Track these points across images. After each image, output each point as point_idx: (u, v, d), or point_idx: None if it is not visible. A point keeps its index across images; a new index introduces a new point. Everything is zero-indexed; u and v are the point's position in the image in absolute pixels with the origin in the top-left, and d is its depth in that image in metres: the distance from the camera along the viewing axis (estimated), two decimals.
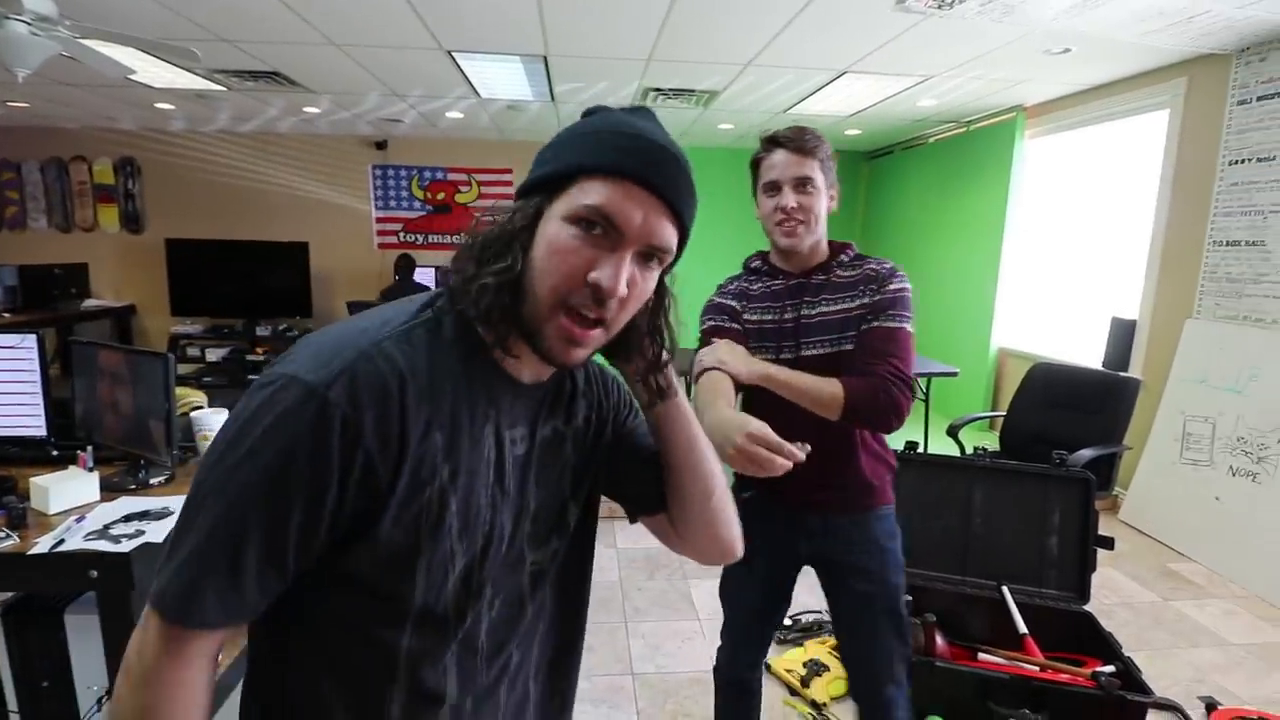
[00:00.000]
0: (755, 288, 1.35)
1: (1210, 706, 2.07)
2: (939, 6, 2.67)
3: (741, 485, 1.34)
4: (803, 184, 1.23)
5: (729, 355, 1.21)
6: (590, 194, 0.58)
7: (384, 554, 0.57)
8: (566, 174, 0.60)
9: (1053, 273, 4.42)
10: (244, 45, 3.44)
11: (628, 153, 0.60)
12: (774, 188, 1.25)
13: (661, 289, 0.67)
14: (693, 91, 4.25)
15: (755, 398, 1.30)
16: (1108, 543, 2.35)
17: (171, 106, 5.05)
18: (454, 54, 3.53)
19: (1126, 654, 2.02)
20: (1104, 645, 2.08)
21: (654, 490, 0.75)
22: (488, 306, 0.59)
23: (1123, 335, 3.70)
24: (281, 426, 0.53)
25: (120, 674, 0.57)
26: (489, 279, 0.59)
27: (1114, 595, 2.77)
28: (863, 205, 6.79)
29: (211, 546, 0.53)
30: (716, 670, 1.54)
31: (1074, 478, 2.32)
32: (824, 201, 1.26)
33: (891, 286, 1.24)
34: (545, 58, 3.57)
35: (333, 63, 3.73)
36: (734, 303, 1.36)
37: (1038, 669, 1.98)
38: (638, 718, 1.98)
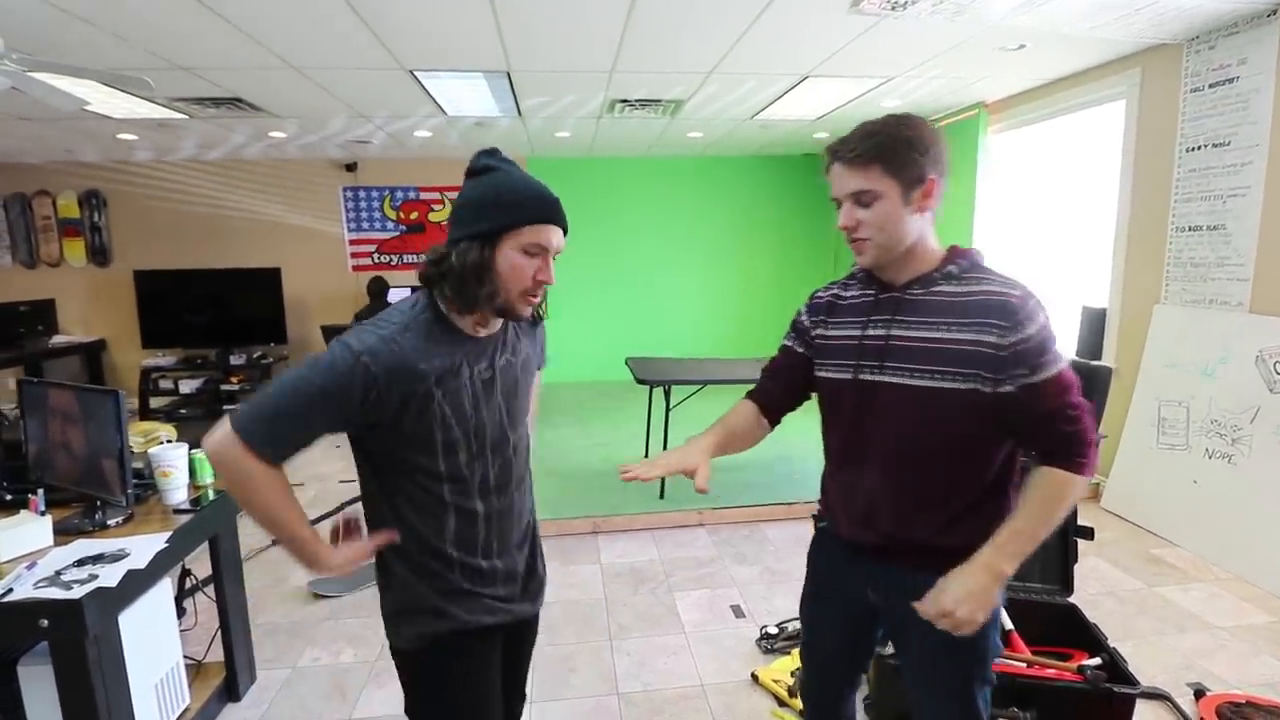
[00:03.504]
0: (848, 295, 1.20)
1: (1199, 693, 2.06)
2: (892, 8, 2.70)
3: (817, 515, 1.31)
4: (859, 197, 1.08)
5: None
6: (529, 236, 1.07)
7: (413, 440, 1.07)
8: (510, 225, 1.05)
9: (1022, 265, 4.47)
10: (201, 72, 3.40)
11: (541, 208, 1.08)
12: (837, 204, 1.13)
13: None
14: (659, 101, 4.26)
15: (829, 420, 1.20)
16: (1087, 533, 2.34)
17: (134, 137, 4.97)
18: (416, 73, 3.51)
19: (1112, 644, 2.01)
20: (1089, 637, 2.07)
21: None
22: (480, 305, 1.08)
23: (1094, 324, 3.74)
24: (336, 363, 1.00)
25: (212, 453, 1.00)
26: (480, 294, 1.06)
27: (1099, 584, 2.78)
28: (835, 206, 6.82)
29: (280, 408, 1.00)
30: (800, 693, 1.46)
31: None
32: (896, 206, 1.06)
33: (1032, 329, 1.01)
34: (508, 73, 3.56)
35: (293, 86, 3.70)
36: (809, 318, 1.24)
37: (1024, 665, 1.97)
38: None
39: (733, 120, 4.85)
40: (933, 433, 1.07)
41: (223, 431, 0.98)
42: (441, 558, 1.12)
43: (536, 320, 1.28)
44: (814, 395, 1.27)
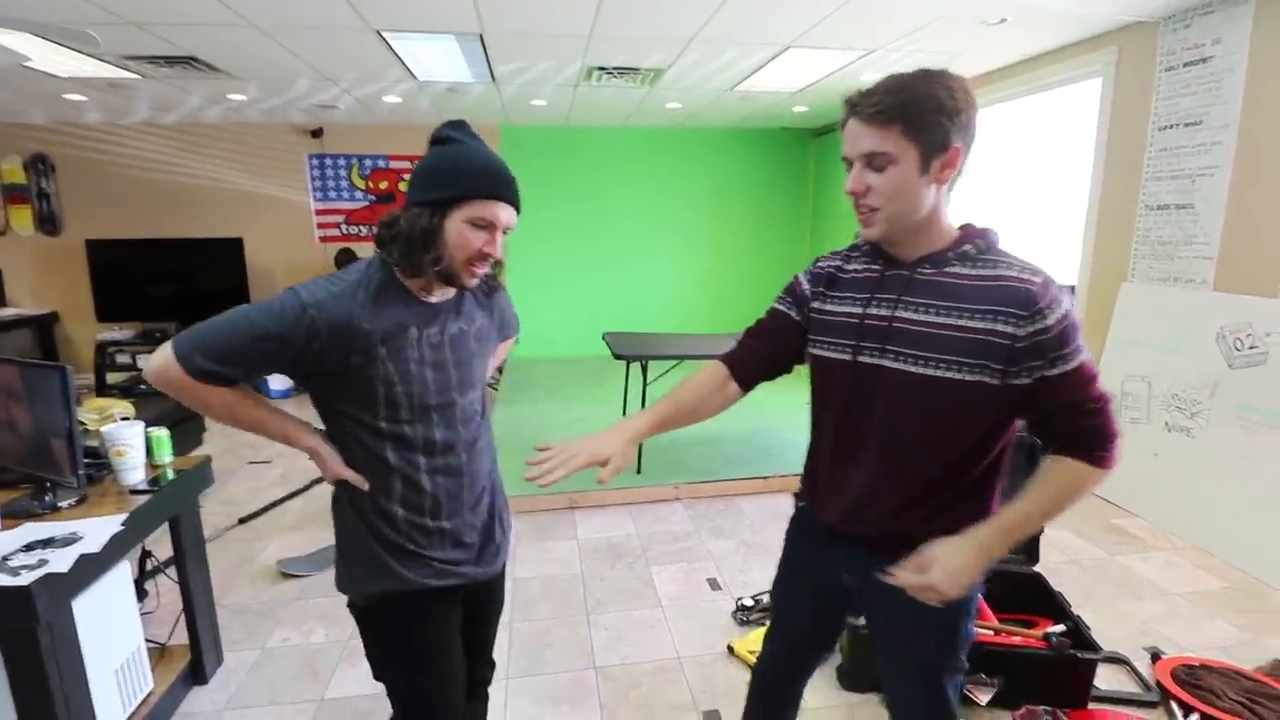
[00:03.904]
0: (850, 269, 1.10)
1: (1155, 656, 2.14)
2: None
3: (799, 494, 1.27)
4: (872, 159, 0.96)
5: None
6: (479, 210, 1.10)
7: (355, 395, 1.11)
8: (461, 197, 1.08)
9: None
10: (153, 28, 3.20)
11: (493, 183, 1.10)
12: (848, 164, 1.00)
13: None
14: (637, 70, 4.15)
15: (821, 402, 1.13)
16: None
17: (83, 98, 4.70)
18: (384, 33, 3.35)
19: (1075, 612, 2.07)
20: (1054, 605, 2.13)
21: None
22: (425, 270, 1.10)
23: None
24: (284, 310, 1.04)
25: (153, 376, 1.05)
26: (425, 259, 1.09)
27: (1062, 554, 2.86)
28: (812, 183, 6.81)
29: (220, 342, 1.03)
30: (756, 673, 1.39)
31: (1020, 442, 2.36)
32: (912, 173, 0.95)
33: (1052, 319, 0.93)
34: (481, 36, 3.42)
35: (253, 46, 3.51)
36: (810, 287, 1.13)
37: (992, 633, 2.02)
38: (601, 712, 1.94)
39: (713, 91, 4.76)
40: (933, 423, 1.01)
41: (162, 353, 1.03)
42: (386, 516, 1.15)
43: (491, 290, 1.29)
44: (795, 369, 1.21)
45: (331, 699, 2.00)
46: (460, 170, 1.09)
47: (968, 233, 1.03)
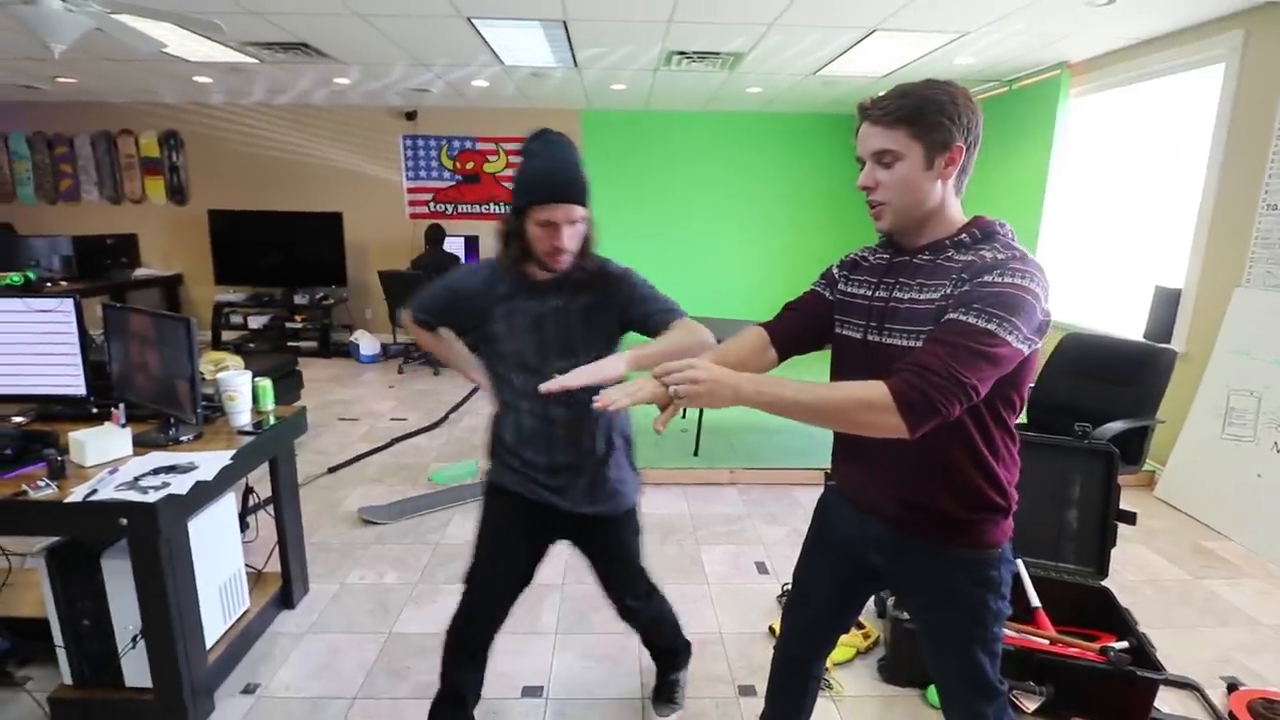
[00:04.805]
0: (871, 258, 1.20)
1: (1232, 687, 2.01)
2: None
3: (828, 473, 1.32)
4: (880, 156, 1.06)
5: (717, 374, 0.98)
6: (543, 213, 1.34)
7: (480, 345, 1.51)
8: (527, 204, 1.35)
9: (1095, 239, 4.22)
10: (270, 17, 3.49)
11: (550, 191, 1.33)
12: (861, 164, 1.11)
13: (588, 229, 1.42)
14: (718, 54, 4.14)
15: (839, 378, 1.14)
16: (1129, 517, 2.28)
17: (209, 80, 5.17)
18: (474, 20, 3.51)
19: (1143, 630, 1.98)
20: (1119, 621, 2.04)
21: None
22: (518, 260, 1.41)
23: (1166, 305, 3.53)
24: (448, 282, 1.53)
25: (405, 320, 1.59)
26: (516, 252, 1.40)
27: (1140, 572, 2.70)
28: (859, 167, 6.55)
29: (423, 301, 1.55)
30: (776, 649, 1.44)
31: (1096, 450, 2.25)
32: (917, 169, 1.04)
33: (989, 278, 0.96)
34: (565, 22, 3.52)
35: (357, 32, 3.76)
36: (838, 269, 1.25)
37: (1046, 642, 1.96)
38: (641, 674, 2.03)
39: (794, 75, 4.68)
40: None
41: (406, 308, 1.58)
42: (500, 431, 1.53)
43: (595, 272, 1.46)
44: (825, 347, 1.27)
45: (398, 633, 2.19)
46: (526, 181, 1.35)
47: (972, 223, 1.09)
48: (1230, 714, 1.90)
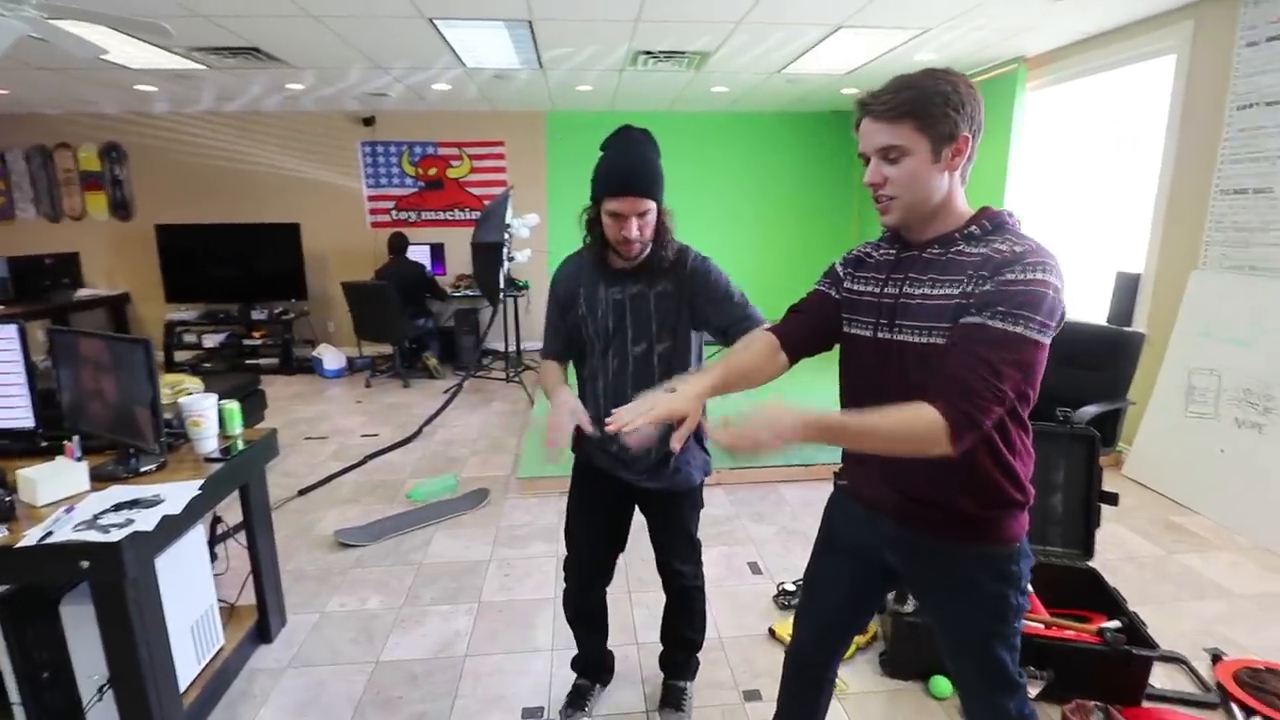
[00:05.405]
0: (876, 254, 1.18)
1: (1216, 657, 2.07)
2: None
3: (838, 473, 1.30)
4: (887, 152, 1.04)
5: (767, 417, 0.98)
6: (611, 205, 1.44)
7: (575, 328, 1.60)
8: (598, 197, 1.47)
9: (1056, 228, 4.34)
10: (219, 20, 3.34)
11: (622, 183, 1.43)
12: (865, 160, 1.09)
13: (660, 220, 1.50)
14: (684, 54, 4.12)
15: (848, 376, 1.18)
16: (1112, 499, 2.32)
17: (153, 88, 4.94)
18: (435, 21, 3.42)
19: (1131, 608, 2.01)
20: (1109, 601, 2.08)
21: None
22: (595, 248, 1.53)
23: (1127, 289, 3.64)
24: (551, 288, 1.66)
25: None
26: (594, 241, 1.52)
27: (1118, 550, 2.77)
28: (860, 166, 6.64)
29: (547, 326, 1.68)
30: (789, 655, 1.43)
31: (1077, 435, 2.29)
32: (924, 163, 1.02)
33: (1010, 277, 0.95)
34: (530, 22, 3.45)
35: (311, 35, 3.62)
36: (843, 268, 1.22)
37: (1043, 626, 1.98)
38: (643, 686, 1.98)
39: (760, 74, 4.70)
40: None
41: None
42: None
43: (677, 264, 1.55)
44: (836, 347, 1.25)
45: (386, 661, 2.09)
46: (599, 173, 1.46)
47: (980, 214, 1.07)
48: (1218, 684, 1.94)
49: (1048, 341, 0.96)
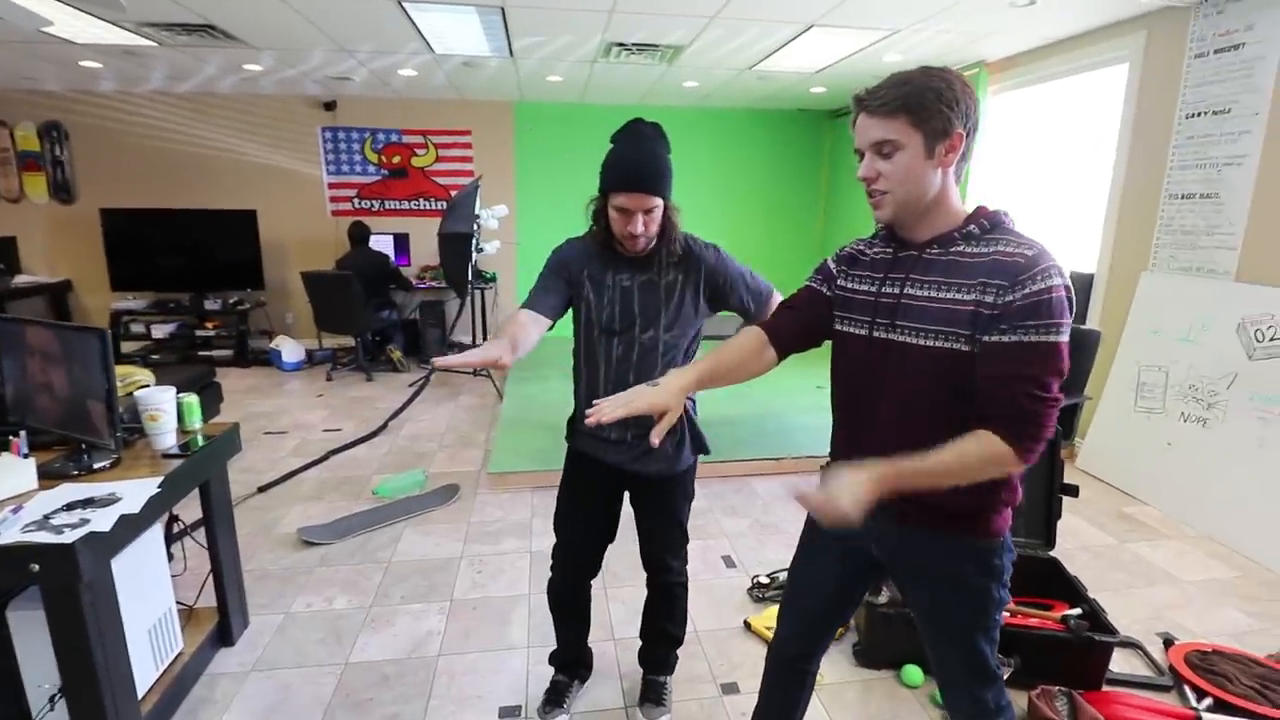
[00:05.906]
0: (870, 252, 1.18)
1: (1168, 642, 2.16)
2: None
3: (825, 468, 1.28)
4: (880, 147, 1.04)
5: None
6: (617, 200, 1.43)
7: (577, 310, 1.58)
8: (605, 190, 1.46)
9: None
10: None
11: (629, 178, 1.43)
12: (860, 156, 1.09)
13: (667, 216, 1.49)
14: (657, 47, 4.10)
15: (840, 375, 1.18)
16: (1072, 491, 2.41)
17: (99, 65, 4.67)
18: (404, 4, 3.32)
19: (1091, 596, 2.10)
20: (1070, 589, 2.15)
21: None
22: (600, 238, 1.52)
23: (1080, 289, 3.78)
24: (555, 254, 1.60)
25: None
26: (599, 232, 1.52)
27: (1074, 540, 2.88)
28: (827, 165, 6.75)
29: (536, 285, 1.56)
30: (772, 650, 1.43)
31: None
32: (917, 159, 1.02)
33: (1032, 289, 0.96)
34: (502, 8, 3.38)
35: (271, 14, 3.48)
36: (835, 265, 1.22)
37: (1008, 615, 2.04)
38: (621, 681, 1.97)
39: (731, 70, 4.71)
40: (940, 393, 1.05)
41: None
42: (578, 397, 1.64)
43: (685, 255, 1.54)
44: (825, 344, 1.25)
45: (355, 663, 2.04)
46: (607, 168, 1.45)
47: (976, 214, 1.08)
48: (1171, 667, 2.04)
49: (1065, 339, 0.99)
